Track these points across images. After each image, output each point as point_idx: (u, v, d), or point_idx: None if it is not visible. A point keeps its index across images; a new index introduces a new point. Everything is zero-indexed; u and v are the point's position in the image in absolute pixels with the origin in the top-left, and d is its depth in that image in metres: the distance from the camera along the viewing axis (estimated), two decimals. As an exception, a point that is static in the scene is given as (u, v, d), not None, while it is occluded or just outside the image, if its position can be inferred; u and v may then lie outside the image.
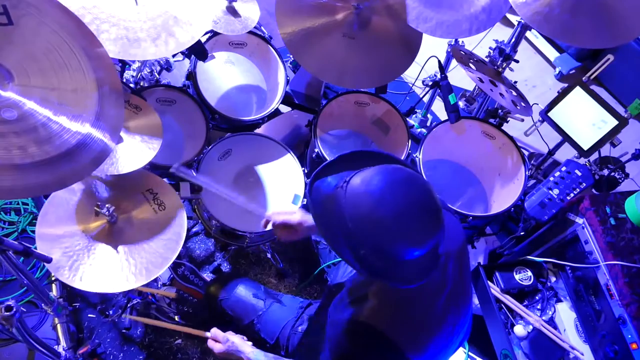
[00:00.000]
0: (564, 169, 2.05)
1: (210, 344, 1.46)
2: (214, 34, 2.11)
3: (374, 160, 1.01)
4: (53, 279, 1.93)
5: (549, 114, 2.11)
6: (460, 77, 2.65)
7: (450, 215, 1.17)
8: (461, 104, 2.94)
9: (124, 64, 1.95)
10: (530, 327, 1.83)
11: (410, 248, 0.89)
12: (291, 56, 2.59)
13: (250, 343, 1.43)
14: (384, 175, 0.92)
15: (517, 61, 2.22)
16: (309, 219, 1.44)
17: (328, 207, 0.96)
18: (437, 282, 1.06)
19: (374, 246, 0.90)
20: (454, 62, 2.25)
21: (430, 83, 2.04)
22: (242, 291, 1.65)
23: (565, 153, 2.27)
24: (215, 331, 1.47)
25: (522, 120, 2.37)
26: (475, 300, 1.93)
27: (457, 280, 1.09)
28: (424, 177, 1.30)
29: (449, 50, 2.33)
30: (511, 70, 2.27)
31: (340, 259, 1.64)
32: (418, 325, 1.05)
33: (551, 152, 2.32)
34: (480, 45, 2.59)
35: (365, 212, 0.89)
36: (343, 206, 0.92)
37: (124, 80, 2.09)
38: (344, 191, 0.93)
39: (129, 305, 1.90)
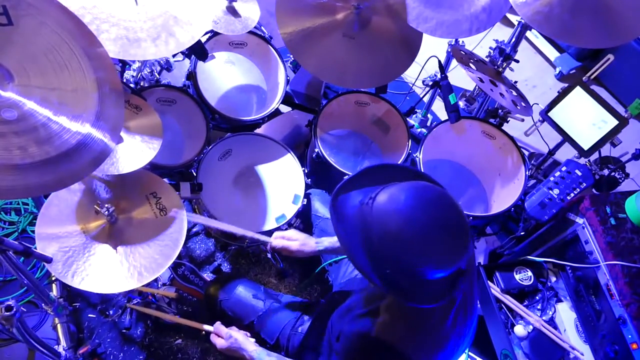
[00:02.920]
0: (564, 168, 2.05)
1: (213, 338, 1.45)
2: (214, 34, 2.11)
3: (400, 175, 0.98)
4: (53, 279, 1.93)
5: (549, 114, 2.11)
6: (461, 77, 2.65)
7: None
8: (461, 103, 2.94)
9: (124, 64, 1.95)
10: (531, 327, 1.83)
11: (437, 269, 0.87)
12: (291, 56, 2.58)
13: (253, 340, 1.42)
14: (412, 192, 0.90)
15: (517, 61, 2.22)
16: (308, 244, 1.45)
17: (352, 224, 0.94)
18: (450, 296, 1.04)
19: (399, 266, 0.87)
20: (454, 62, 2.25)
21: (430, 83, 2.04)
22: (242, 292, 1.65)
23: (566, 153, 2.27)
24: (218, 326, 1.46)
25: (522, 120, 2.37)
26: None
27: (467, 292, 1.08)
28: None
29: (449, 50, 2.33)
30: (511, 70, 2.27)
31: (340, 258, 1.64)
32: (430, 339, 1.04)
33: (551, 152, 2.31)
34: (481, 45, 2.58)
35: (393, 231, 0.87)
36: (369, 223, 0.89)
37: (124, 80, 2.09)
38: (370, 208, 0.90)
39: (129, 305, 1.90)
